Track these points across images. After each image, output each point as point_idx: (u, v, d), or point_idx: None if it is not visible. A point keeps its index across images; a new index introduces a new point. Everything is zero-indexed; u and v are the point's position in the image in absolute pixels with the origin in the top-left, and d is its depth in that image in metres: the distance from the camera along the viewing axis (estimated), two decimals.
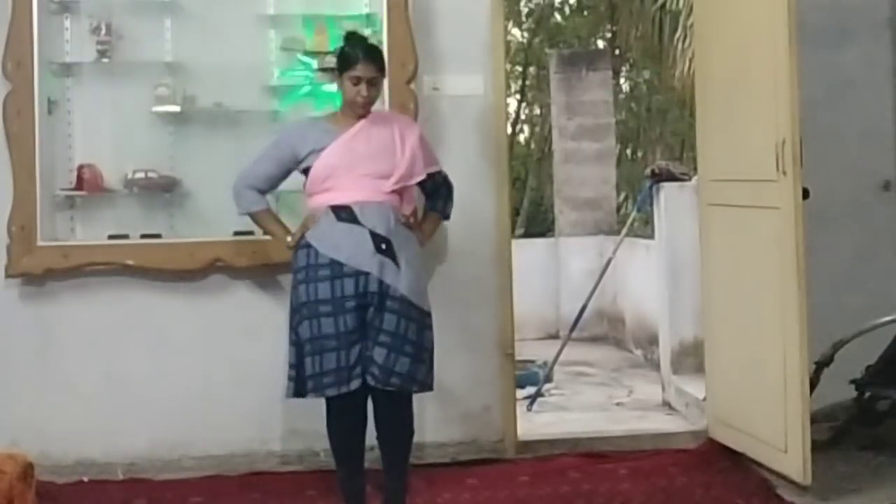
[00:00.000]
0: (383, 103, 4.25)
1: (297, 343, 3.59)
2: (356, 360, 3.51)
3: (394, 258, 3.55)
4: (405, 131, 3.74)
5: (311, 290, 3.55)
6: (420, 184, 3.79)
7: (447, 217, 3.96)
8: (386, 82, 4.21)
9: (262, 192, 3.79)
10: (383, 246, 3.54)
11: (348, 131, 3.65)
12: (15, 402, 4.29)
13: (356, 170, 3.60)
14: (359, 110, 3.67)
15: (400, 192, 3.68)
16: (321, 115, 3.83)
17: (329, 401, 3.58)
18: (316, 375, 3.52)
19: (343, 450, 3.66)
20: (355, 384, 3.51)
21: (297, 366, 3.58)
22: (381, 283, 3.51)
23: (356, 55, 3.65)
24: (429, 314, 3.65)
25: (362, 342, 3.52)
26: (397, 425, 3.64)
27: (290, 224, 3.78)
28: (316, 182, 3.64)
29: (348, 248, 3.53)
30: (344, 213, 3.57)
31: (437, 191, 3.88)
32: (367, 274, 3.51)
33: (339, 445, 3.67)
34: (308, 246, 3.60)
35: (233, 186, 3.80)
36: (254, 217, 3.84)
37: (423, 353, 3.58)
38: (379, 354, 3.50)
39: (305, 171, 3.67)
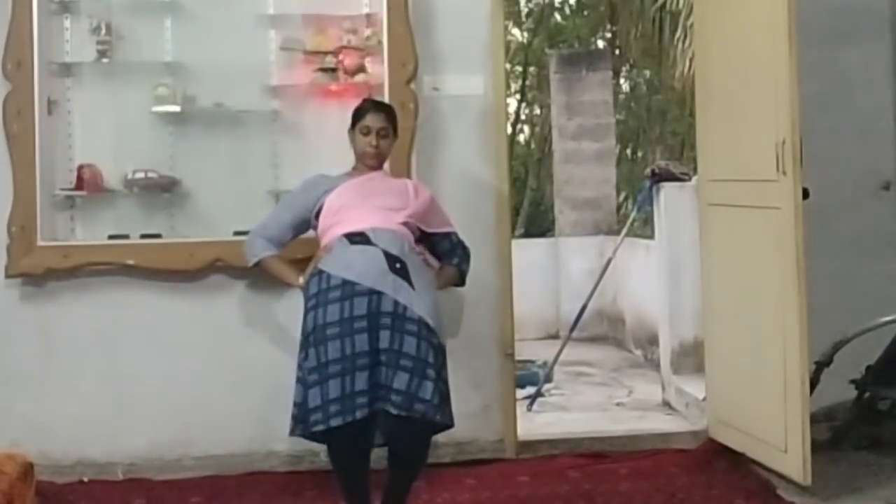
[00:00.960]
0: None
1: (301, 380, 3.45)
2: (363, 388, 3.31)
3: (408, 280, 3.45)
4: (418, 188, 3.83)
5: (321, 314, 3.41)
6: (434, 246, 3.81)
7: (463, 277, 3.91)
8: (386, 82, 4.24)
9: (273, 241, 3.79)
10: (397, 265, 3.46)
11: (362, 176, 3.72)
12: (15, 402, 4.29)
13: (369, 202, 3.62)
14: (369, 161, 3.71)
15: (412, 231, 3.68)
16: (338, 175, 3.78)
17: (332, 432, 3.36)
18: (322, 406, 3.33)
19: (348, 480, 3.55)
20: (361, 413, 3.30)
21: (301, 403, 3.42)
22: (395, 303, 3.39)
23: (366, 107, 3.76)
24: (444, 348, 3.49)
25: (372, 370, 3.33)
26: (415, 456, 3.51)
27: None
28: (328, 215, 3.63)
29: (361, 266, 3.44)
30: (357, 238, 3.53)
31: (452, 251, 3.87)
32: (380, 294, 3.39)
33: (343, 476, 3.55)
34: (319, 273, 3.52)
35: (246, 239, 3.85)
36: (262, 264, 3.81)
37: (440, 384, 3.39)
38: (400, 381, 3.32)
39: (318, 215, 3.68)
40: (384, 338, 3.36)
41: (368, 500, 3.60)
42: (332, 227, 3.62)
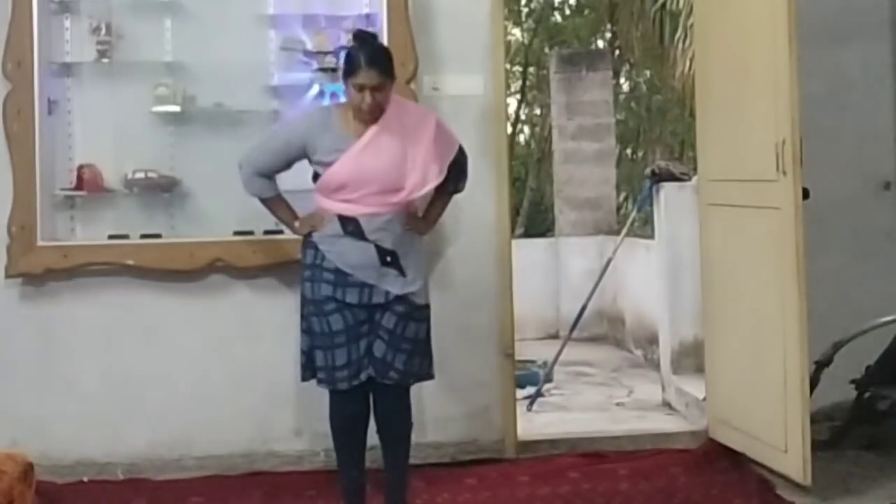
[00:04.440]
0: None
1: (308, 331, 3.69)
2: (363, 354, 3.62)
3: (399, 267, 3.61)
4: (419, 132, 3.65)
5: (317, 288, 3.63)
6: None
7: (460, 191, 3.92)
8: None
9: (271, 178, 3.77)
10: (388, 259, 3.60)
11: (358, 143, 3.59)
12: (15, 402, 4.28)
13: (364, 187, 3.58)
14: (365, 117, 3.60)
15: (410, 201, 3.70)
16: (332, 107, 3.76)
17: (335, 392, 3.67)
18: (328, 369, 3.62)
19: (345, 439, 3.71)
20: (364, 376, 3.63)
21: (308, 352, 3.70)
22: (386, 293, 3.61)
23: (358, 61, 3.54)
24: (427, 306, 3.73)
25: (368, 336, 3.62)
26: (395, 416, 3.72)
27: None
28: (325, 190, 3.63)
29: (353, 259, 3.59)
30: (350, 226, 3.58)
31: (452, 167, 3.79)
32: (371, 286, 3.60)
33: (341, 434, 3.72)
34: (315, 248, 3.65)
35: (239, 166, 3.76)
36: (264, 202, 3.83)
37: (419, 346, 3.69)
38: (378, 349, 3.62)
39: (314, 166, 3.66)
40: (376, 313, 3.63)
41: (364, 494, 3.73)
42: (329, 198, 3.63)
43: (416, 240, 3.73)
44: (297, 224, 3.76)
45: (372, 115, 3.59)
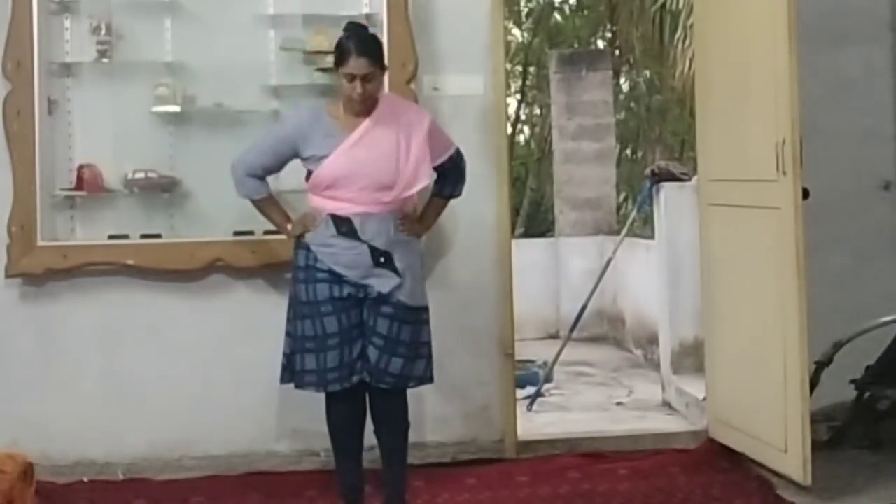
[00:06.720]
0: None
1: (293, 335, 3.67)
2: (357, 356, 3.60)
3: (393, 269, 3.60)
4: (412, 128, 3.64)
5: (311, 290, 3.61)
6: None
7: (457, 196, 3.93)
8: (386, 82, 4.21)
9: (263, 179, 3.76)
10: (382, 259, 3.59)
11: (351, 136, 3.59)
12: (15, 402, 4.28)
13: (358, 182, 3.57)
14: (356, 107, 3.59)
15: (403, 199, 3.68)
16: (323, 104, 3.77)
17: (330, 394, 3.66)
18: (320, 371, 3.59)
19: (342, 440, 3.72)
20: (357, 378, 3.61)
21: (290, 355, 3.69)
22: (379, 293, 3.59)
23: (348, 50, 3.55)
24: (426, 308, 3.72)
25: (361, 339, 3.61)
26: (392, 418, 3.71)
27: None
28: (318, 187, 3.62)
29: (347, 260, 3.58)
30: (344, 227, 3.57)
31: (449, 171, 3.82)
32: (366, 286, 3.59)
33: (338, 435, 3.72)
34: (308, 249, 3.63)
35: (231, 168, 3.76)
36: (256, 204, 3.81)
37: (419, 349, 3.67)
38: (372, 355, 3.61)
39: (307, 163, 3.65)
40: (365, 314, 3.62)
41: (362, 493, 3.74)
42: (321, 197, 3.62)
43: (410, 241, 3.71)
44: (289, 227, 3.72)
45: (363, 105, 3.59)
